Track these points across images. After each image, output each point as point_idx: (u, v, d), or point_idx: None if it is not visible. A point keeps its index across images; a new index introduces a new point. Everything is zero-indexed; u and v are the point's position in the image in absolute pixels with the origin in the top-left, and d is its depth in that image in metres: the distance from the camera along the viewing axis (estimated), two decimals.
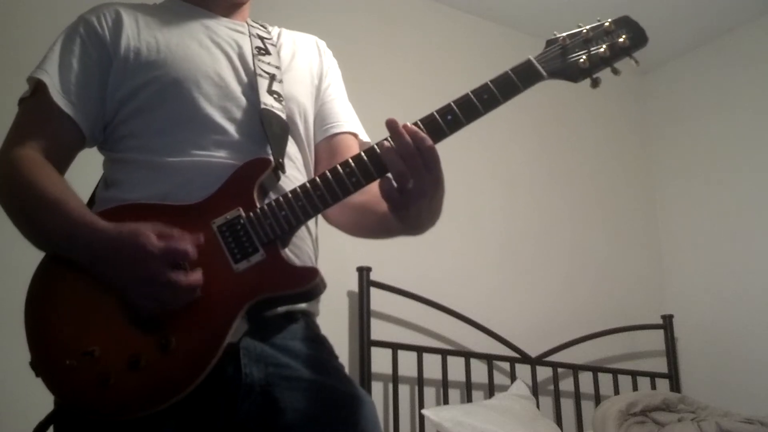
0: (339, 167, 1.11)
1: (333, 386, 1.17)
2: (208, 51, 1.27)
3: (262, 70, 1.28)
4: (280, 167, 1.19)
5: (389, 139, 1.08)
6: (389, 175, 1.08)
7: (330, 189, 1.11)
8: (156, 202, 1.14)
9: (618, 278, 3.79)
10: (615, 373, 3.45)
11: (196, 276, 1.06)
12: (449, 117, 1.11)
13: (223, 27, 1.33)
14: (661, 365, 3.62)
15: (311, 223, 1.26)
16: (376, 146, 1.10)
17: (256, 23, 1.40)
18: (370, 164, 1.10)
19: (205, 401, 1.08)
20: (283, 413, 1.11)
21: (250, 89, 1.25)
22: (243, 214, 1.12)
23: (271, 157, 1.18)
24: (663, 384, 3.57)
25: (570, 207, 3.76)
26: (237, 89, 1.25)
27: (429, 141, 1.07)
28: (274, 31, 1.42)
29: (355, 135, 1.40)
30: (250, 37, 1.34)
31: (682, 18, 3.78)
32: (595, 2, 3.67)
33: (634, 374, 3.49)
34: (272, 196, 1.17)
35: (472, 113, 1.11)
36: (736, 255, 3.65)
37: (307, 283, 1.12)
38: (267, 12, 1.44)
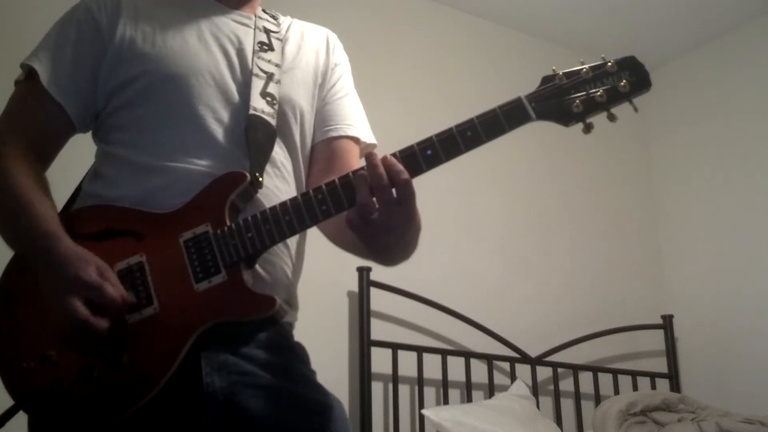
0: (311, 193, 1.08)
1: (300, 393, 1.14)
2: (205, 46, 1.23)
3: (260, 68, 1.24)
4: (256, 182, 1.15)
5: (365, 169, 1.04)
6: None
7: (299, 216, 1.07)
8: (130, 207, 1.13)
9: (618, 278, 3.79)
10: (615, 373, 3.45)
11: (97, 322, 1.02)
12: (429, 152, 1.05)
13: (228, 20, 1.29)
14: (661, 365, 3.62)
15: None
16: (351, 174, 1.06)
17: (267, 13, 1.35)
18: (343, 194, 1.06)
19: (167, 412, 1.06)
20: (249, 422, 1.09)
21: (244, 90, 1.22)
22: (211, 230, 1.09)
23: (248, 172, 1.14)
24: (663, 384, 3.57)
25: (570, 207, 3.76)
26: (230, 90, 1.22)
27: (405, 174, 1.02)
28: (285, 22, 1.37)
29: (355, 139, 1.35)
30: (255, 30, 1.29)
31: (682, 18, 3.78)
32: (595, 3, 3.69)
33: (634, 374, 3.49)
34: (248, 210, 1.14)
35: (453, 151, 1.06)
36: (736, 255, 3.65)
37: (263, 312, 1.08)
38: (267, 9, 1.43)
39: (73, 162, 1.34)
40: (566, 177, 3.79)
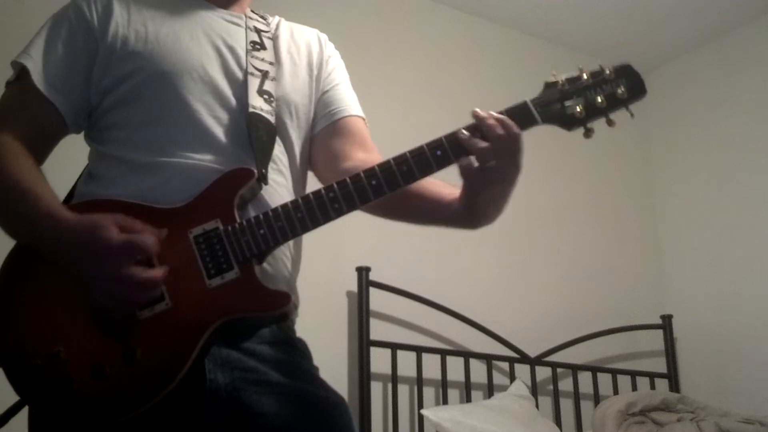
0: (323, 191, 1.11)
1: (304, 389, 1.14)
2: (198, 44, 1.24)
3: (254, 67, 1.25)
4: (262, 178, 1.16)
5: (471, 126, 1.10)
6: (471, 156, 1.09)
7: (311, 213, 1.10)
8: (134, 201, 1.12)
9: (617, 278, 3.79)
10: (614, 373, 3.45)
11: (156, 272, 1.04)
12: (438, 152, 1.10)
13: (219, 19, 1.30)
14: (660, 365, 3.62)
15: None
16: (376, 167, 1.10)
17: (256, 14, 1.37)
18: (354, 192, 1.10)
19: (170, 409, 1.05)
20: (252, 419, 1.08)
21: (240, 89, 1.23)
22: (221, 227, 1.10)
23: (255, 168, 1.15)
24: (662, 384, 3.57)
25: (569, 207, 3.76)
26: (225, 87, 1.22)
27: (516, 128, 1.08)
28: (273, 22, 1.39)
29: (363, 118, 1.37)
30: (246, 30, 1.30)
31: (682, 18, 3.78)
32: (595, 3, 3.68)
33: (633, 374, 3.49)
34: (252, 207, 1.15)
35: (462, 151, 1.11)
36: (736, 255, 3.64)
37: (279, 308, 1.11)
38: (265, 10, 1.43)
39: (68, 163, 1.34)
40: (566, 177, 3.79)
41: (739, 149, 3.75)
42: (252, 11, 1.37)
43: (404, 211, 1.27)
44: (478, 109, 1.10)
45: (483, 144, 1.08)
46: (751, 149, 3.70)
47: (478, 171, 1.09)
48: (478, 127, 1.09)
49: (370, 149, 1.32)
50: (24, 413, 1.13)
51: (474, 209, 1.15)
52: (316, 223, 1.11)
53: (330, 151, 1.32)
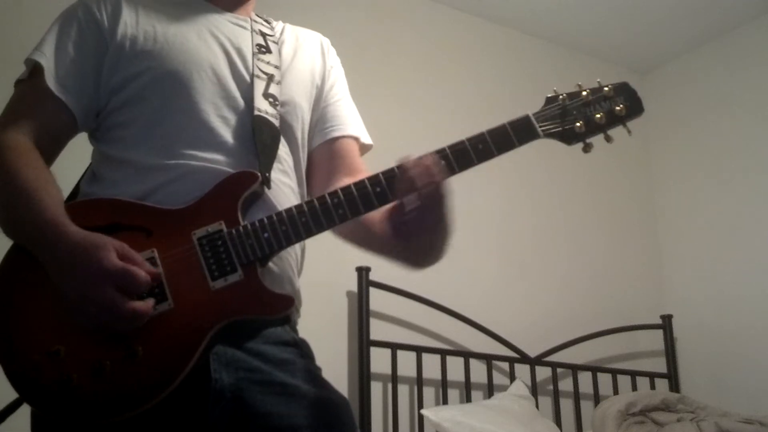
0: (327, 197, 1.12)
1: (307, 390, 1.15)
2: (206, 44, 1.25)
3: (260, 70, 1.26)
4: (265, 182, 1.17)
5: (394, 170, 1.11)
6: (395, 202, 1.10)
7: (315, 218, 1.12)
8: (137, 202, 1.12)
9: (617, 278, 3.79)
10: (614, 373, 3.45)
11: (142, 306, 1.03)
12: (442, 162, 1.12)
13: (225, 21, 1.31)
14: (660, 365, 3.62)
15: None
16: (380, 175, 1.12)
17: (260, 18, 1.38)
18: (359, 199, 1.11)
19: (174, 408, 1.06)
20: (255, 419, 1.09)
21: (247, 90, 1.23)
22: (225, 229, 1.10)
23: (258, 171, 1.16)
24: (662, 384, 3.57)
25: (569, 207, 3.76)
26: (233, 88, 1.23)
27: (437, 177, 1.08)
28: (278, 26, 1.40)
29: (356, 138, 1.38)
30: (252, 33, 1.31)
31: (682, 18, 3.78)
32: (595, 3, 3.69)
33: (633, 374, 3.50)
34: (257, 208, 1.16)
35: (465, 162, 1.13)
36: (736, 255, 3.65)
37: (282, 311, 1.12)
38: (266, 11, 1.44)
39: (70, 163, 1.33)
40: (566, 177, 3.78)
41: (739, 150, 3.75)
42: (257, 15, 1.38)
43: (364, 238, 1.31)
44: (401, 161, 1.10)
45: (402, 197, 1.09)
46: (752, 149, 3.70)
47: (401, 220, 1.11)
48: (398, 178, 1.10)
49: (356, 173, 1.32)
50: (22, 411, 1.12)
51: (412, 249, 1.18)
52: (320, 229, 1.12)
53: (320, 171, 1.35)
